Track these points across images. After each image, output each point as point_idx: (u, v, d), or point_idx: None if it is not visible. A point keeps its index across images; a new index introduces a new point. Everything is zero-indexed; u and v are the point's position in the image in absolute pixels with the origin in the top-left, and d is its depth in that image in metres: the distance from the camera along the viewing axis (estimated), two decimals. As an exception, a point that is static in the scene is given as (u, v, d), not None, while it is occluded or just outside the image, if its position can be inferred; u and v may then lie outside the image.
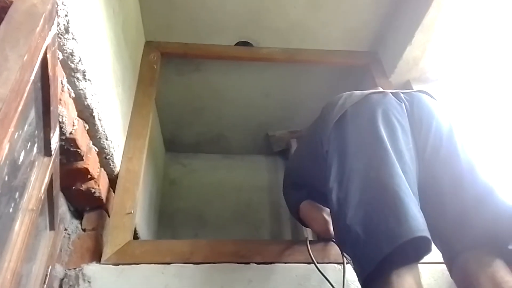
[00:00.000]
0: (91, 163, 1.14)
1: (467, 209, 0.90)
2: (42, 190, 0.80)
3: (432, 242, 0.79)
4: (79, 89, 0.98)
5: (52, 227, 1.00)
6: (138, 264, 1.15)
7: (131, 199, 1.31)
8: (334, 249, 1.22)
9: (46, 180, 0.81)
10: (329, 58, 1.96)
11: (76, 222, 1.26)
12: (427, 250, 0.79)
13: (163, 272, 1.14)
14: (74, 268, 1.13)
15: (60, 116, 0.90)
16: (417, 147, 0.98)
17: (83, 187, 1.17)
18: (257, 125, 2.54)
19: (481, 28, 1.61)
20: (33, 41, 0.57)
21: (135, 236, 1.52)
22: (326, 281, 1.09)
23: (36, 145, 0.75)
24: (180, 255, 1.19)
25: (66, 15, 0.83)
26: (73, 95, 0.98)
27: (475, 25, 1.59)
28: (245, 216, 2.53)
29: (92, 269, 1.13)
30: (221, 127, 2.55)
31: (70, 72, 0.93)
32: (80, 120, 1.05)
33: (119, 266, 1.14)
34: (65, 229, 1.22)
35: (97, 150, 1.18)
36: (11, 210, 0.66)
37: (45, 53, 0.64)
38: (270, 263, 1.19)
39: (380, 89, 1.14)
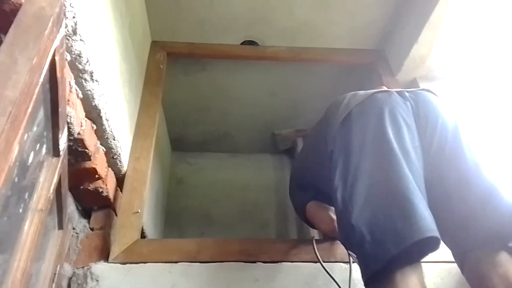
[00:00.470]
0: (99, 163, 1.15)
1: (473, 208, 0.89)
2: (51, 190, 0.80)
3: (440, 241, 0.79)
4: (87, 90, 0.99)
5: (60, 226, 1.01)
6: (145, 263, 1.16)
7: (138, 199, 1.32)
8: (340, 248, 1.22)
9: (55, 180, 0.82)
10: (335, 57, 1.95)
11: (84, 221, 1.28)
12: (435, 249, 0.79)
13: (170, 271, 1.15)
14: (82, 267, 1.15)
15: (68, 117, 0.91)
16: (423, 145, 0.97)
17: (91, 186, 1.18)
18: (263, 123, 2.55)
19: (489, 26, 1.60)
20: (42, 44, 0.57)
21: (142, 235, 1.52)
22: (333, 280, 1.09)
23: (44, 145, 0.76)
24: (187, 254, 1.20)
25: (73, 17, 0.84)
26: (81, 96, 0.98)
27: (482, 22, 1.58)
28: (252, 215, 2.54)
29: (100, 268, 1.14)
30: (227, 126, 2.56)
31: (78, 73, 0.94)
32: (88, 120, 1.06)
33: (127, 265, 1.15)
34: (73, 228, 1.23)
35: (104, 150, 1.19)
36: (20, 210, 0.67)
37: (54, 55, 0.65)
38: (277, 262, 1.20)
39: (385, 88, 1.13)
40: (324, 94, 2.07)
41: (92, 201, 1.27)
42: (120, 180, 1.36)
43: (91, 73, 0.97)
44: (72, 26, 0.85)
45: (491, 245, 0.86)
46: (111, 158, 1.26)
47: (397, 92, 1.08)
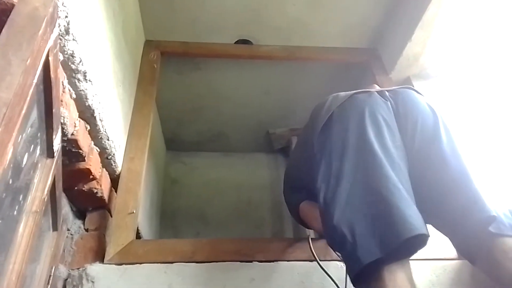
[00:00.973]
0: (93, 163, 1.14)
1: (464, 205, 0.90)
2: (45, 192, 0.80)
3: (428, 237, 0.79)
4: (80, 90, 0.98)
5: (55, 228, 1.00)
6: (141, 263, 1.15)
7: (133, 199, 1.31)
8: (336, 247, 1.22)
9: (49, 181, 0.82)
10: (329, 55, 1.96)
11: (78, 222, 1.27)
12: (421, 245, 0.80)
13: (166, 271, 1.15)
14: (78, 268, 1.14)
15: (62, 118, 0.90)
16: (406, 144, 0.99)
17: (85, 187, 1.18)
18: (257, 123, 2.55)
19: (482, 24, 1.61)
20: (36, 45, 0.57)
21: (138, 236, 1.52)
22: (329, 279, 1.09)
23: (38, 147, 0.75)
24: (183, 254, 1.20)
25: (66, 16, 0.83)
26: (74, 96, 0.98)
27: (475, 21, 1.59)
28: (247, 214, 2.54)
29: (95, 269, 1.13)
30: (221, 125, 2.56)
31: (71, 73, 0.93)
32: (81, 121, 1.05)
33: (122, 265, 1.15)
34: (68, 230, 1.23)
35: (98, 150, 1.19)
36: (15, 212, 0.67)
37: (47, 55, 0.64)
38: (273, 261, 1.20)
39: (377, 87, 1.14)
40: (318, 93, 2.06)
41: (86, 202, 1.26)
42: (115, 181, 1.35)
43: (84, 73, 0.96)
44: (64, 26, 0.84)
45: (489, 233, 0.87)
46: (105, 159, 1.25)
47: (378, 92, 1.09)
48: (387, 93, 1.09)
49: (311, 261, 1.16)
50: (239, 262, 1.19)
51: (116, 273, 1.13)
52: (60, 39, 0.85)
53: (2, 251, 0.63)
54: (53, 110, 0.75)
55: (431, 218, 0.98)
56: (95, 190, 1.20)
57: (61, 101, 0.89)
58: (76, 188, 1.16)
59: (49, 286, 0.97)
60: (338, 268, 1.17)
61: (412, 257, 0.82)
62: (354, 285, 0.83)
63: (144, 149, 1.46)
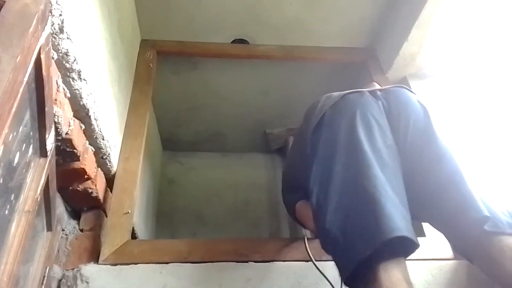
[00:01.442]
0: (88, 163, 1.13)
1: (458, 206, 0.90)
2: (38, 191, 0.79)
3: (415, 241, 0.78)
4: (75, 89, 0.97)
5: (49, 228, 0.99)
6: (136, 264, 1.15)
7: (128, 199, 1.31)
8: (333, 247, 1.22)
9: (42, 181, 0.81)
10: (326, 55, 1.95)
11: (73, 222, 1.26)
12: (410, 248, 0.79)
13: (161, 271, 1.14)
14: (72, 269, 1.13)
15: (56, 117, 0.89)
16: (398, 143, 0.98)
17: (80, 187, 1.17)
18: (254, 122, 2.54)
19: (478, 24, 1.61)
20: (26, 42, 0.56)
21: (133, 236, 1.51)
22: (324, 279, 1.09)
23: (31, 146, 0.75)
24: (178, 254, 1.19)
25: (60, 15, 0.83)
26: (68, 95, 0.97)
27: (472, 20, 1.59)
28: (243, 214, 2.53)
29: (90, 269, 1.12)
30: (218, 125, 2.55)
31: (65, 72, 0.93)
32: (76, 120, 1.04)
33: (117, 266, 1.14)
34: (63, 230, 1.22)
35: (93, 150, 1.18)
36: (6, 212, 0.66)
37: (39, 53, 0.63)
38: (269, 261, 1.19)
39: (377, 86, 1.14)
40: (315, 93, 2.05)
41: (81, 202, 1.25)
42: (110, 181, 1.34)
43: (79, 72, 0.95)
44: (58, 24, 0.84)
45: (484, 231, 0.86)
46: (101, 158, 1.24)
47: (369, 91, 1.08)
48: (378, 92, 1.08)
49: (307, 261, 1.16)
50: (235, 262, 1.18)
51: (111, 274, 1.12)
52: (54, 38, 0.84)
53: (-7, 251, 0.63)
54: (46, 109, 0.74)
55: (426, 217, 0.98)
56: (90, 190, 1.20)
57: (55, 100, 0.88)
58: (70, 188, 1.15)
59: (43, 286, 0.96)
60: (333, 268, 1.16)
61: (408, 257, 0.81)
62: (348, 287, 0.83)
63: (140, 149, 1.45)
